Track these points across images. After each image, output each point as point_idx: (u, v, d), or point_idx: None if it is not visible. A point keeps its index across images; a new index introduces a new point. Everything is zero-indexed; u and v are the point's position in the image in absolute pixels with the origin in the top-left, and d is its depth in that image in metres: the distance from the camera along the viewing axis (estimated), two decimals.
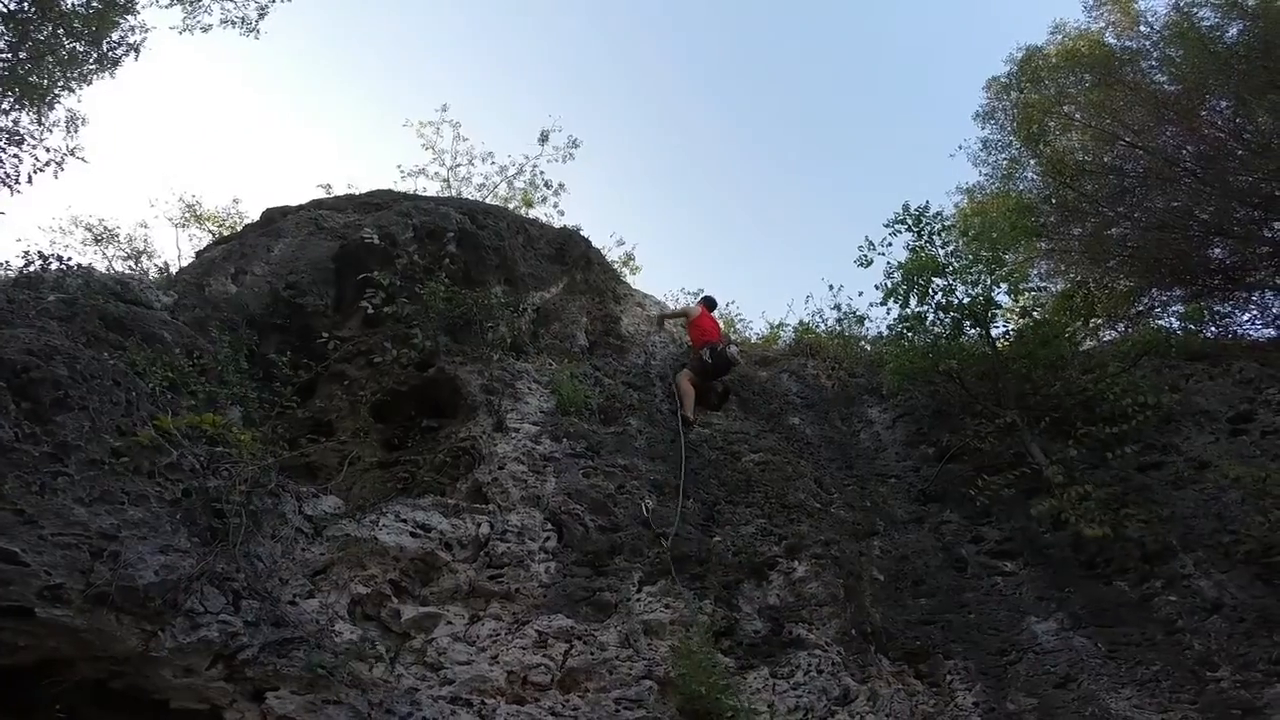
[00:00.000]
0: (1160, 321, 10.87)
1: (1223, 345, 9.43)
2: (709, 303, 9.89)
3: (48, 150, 9.23)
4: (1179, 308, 11.09)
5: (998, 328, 9.06)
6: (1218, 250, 11.22)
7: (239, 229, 9.96)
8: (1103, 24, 12.62)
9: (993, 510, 7.55)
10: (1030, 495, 7.37)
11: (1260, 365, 8.42)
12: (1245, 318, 11.17)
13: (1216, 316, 10.96)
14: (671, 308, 10.95)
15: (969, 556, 7.33)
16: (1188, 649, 6.08)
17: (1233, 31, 10.87)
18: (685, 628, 5.49)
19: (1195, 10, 11.30)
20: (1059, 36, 12.83)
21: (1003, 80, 12.95)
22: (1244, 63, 10.21)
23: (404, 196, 8.80)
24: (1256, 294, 11.12)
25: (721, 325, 9.91)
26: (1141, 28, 12.13)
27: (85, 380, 4.17)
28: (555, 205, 15.52)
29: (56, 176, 9.20)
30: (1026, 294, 9.92)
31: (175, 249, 21.78)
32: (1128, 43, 12.18)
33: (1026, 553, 7.22)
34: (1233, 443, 7.68)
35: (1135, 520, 6.82)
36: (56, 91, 9.65)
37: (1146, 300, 11.75)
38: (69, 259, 6.06)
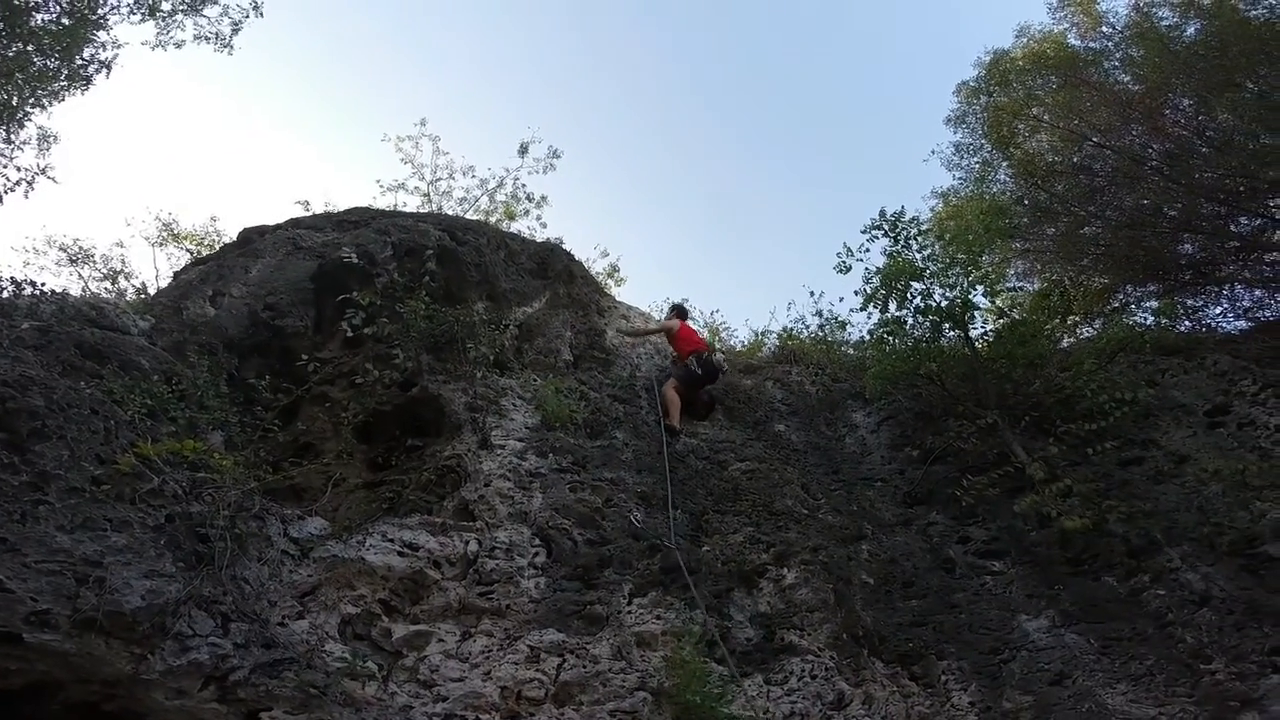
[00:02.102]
0: (1135, 317, 11.03)
1: (1196, 339, 9.57)
2: (681, 311, 9.91)
3: (19, 169, 9.08)
4: (1153, 303, 11.27)
5: (976, 329, 9.16)
6: (1187, 246, 11.44)
7: (217, 248, 9.90)
8: (1066, 25, 12.87)
9: (978, 510, 7.58)
10: (1014, 494, 7.41)
11: (1233, 358, 8.53)
12: (1217, 311, 11.38)
13: (1189, 311, 11.17)
14: (654, 320, 10.95)
15: (957, 557, 7.36)
16: (1180, 642, 6.09)
17: (1190, 31, 11.12)
18: (677, 638, 5.48)
19: (1154, 10, 11.57)
20: (1024, 40, 13.06)
21: (972, 84, 13.16)
22: (1203, 61, 10.43)
23: (382, 214, 8.79)
24: (1227, 287, 11.34)
25: (704, 333, 9.94)
26: (1103, 28, 12.38)
27: (62, 410, 4.13)
28: (538, 218, 15.59)
29: (27, 196, 9.06)
30: (1003, 295, 10.06)
31: (152, 269, 21.59)
32: (1091, 44, 12.43)
33: (1014, 551, 7.26)
34: (1210, 435, 7.78)
35: (1117, 513, 6.88)
36: (27, 109, 9.50)
37: (1121, 297, 11.94)
38: (42, 284, 5.99)
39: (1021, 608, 6.73)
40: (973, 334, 9.00)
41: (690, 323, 10.00)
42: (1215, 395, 8.15)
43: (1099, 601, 6.58)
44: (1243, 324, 10.86)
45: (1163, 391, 8.36)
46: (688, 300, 12.45)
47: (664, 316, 10.49)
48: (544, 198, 15.58)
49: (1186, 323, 10.83)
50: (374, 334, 7.00)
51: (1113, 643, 6.26)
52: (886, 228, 9.22)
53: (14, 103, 9.31)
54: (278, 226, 8.08)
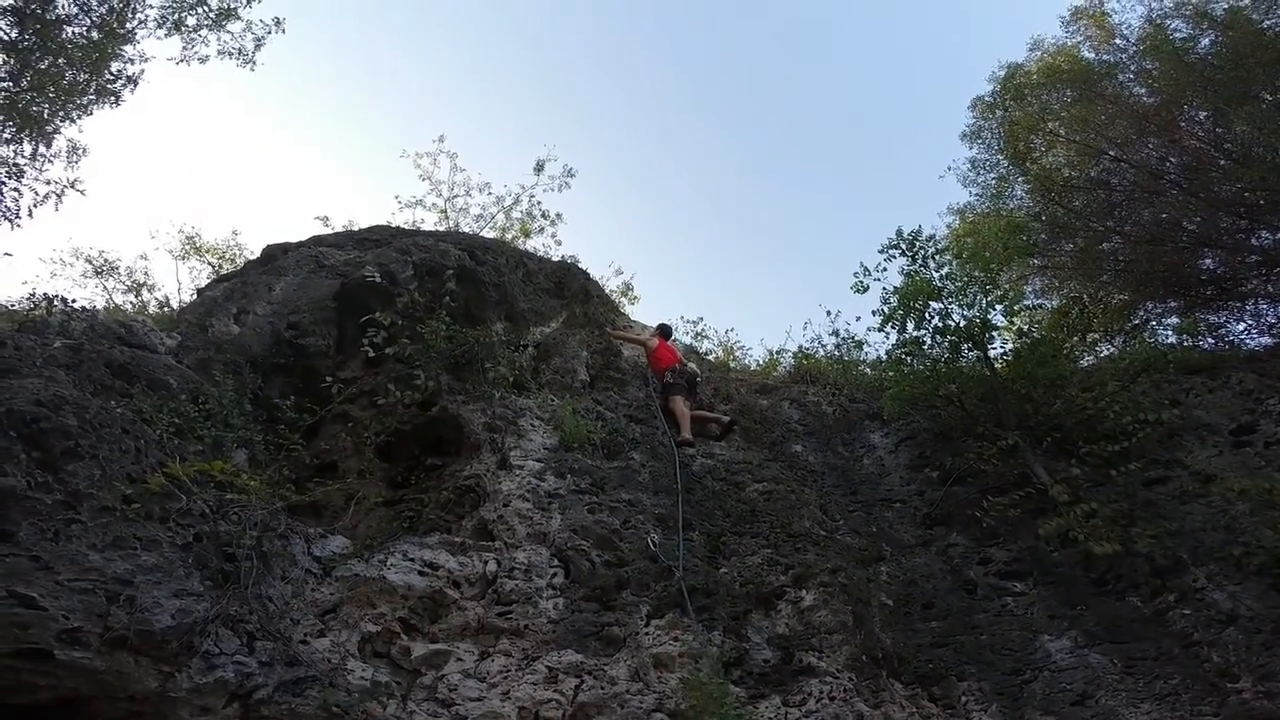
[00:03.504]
0: (1157, 334, 10.91)
1: (1219, 357, 9.44)
2: (665, 331, 9.99)
3: (48, 183, 9.20)
4: (1174, 320, 11.15)
5: (995, 348, 9.11)
6: (1208, 261, 11.32)
7: (239, 262, 10.01)
8: (1080, 39, 12.84)
9: (999, 531, 7.52)
10: (1036, 515, 7.35)
11: (1258, 376, 8.42)
12: (1240, 328, 11.21)
13: (1211, 328, 11.02)
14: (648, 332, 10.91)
15: (978, 578, 7.30)
16: (1206, 661, 6.02)
17: (1205, 42, 11.05)
18: (695, 660, 5.46)
19: (1168, 22, 11.50)
20: (1038, 53, 13.05)
21: (987, 100, 13.14)
22: (1219, 73, 10.35)
23: (403, 232, 8.90)
24: (1250, 303, 11.19)
25: (679, 351, 9.98)
26: (1117, 41, 12.32)
27: (94, 429, 4.21)
28: (553, 235, 15.68)
29: (57, 209, 9.18)
30: (1022, 313, 9.99)
31: (175, 281, 21.96)
32: (1105, 56, 12.37)
33: (1036, 572, 7.19)
34: (1236, 455, 7.68)
35: (1144, 536, 6.81)
36: (57, 122, 9.66)
37: (1141, 313, 11.80)
38: (73, 300, 6.12)
39: (1043, 628, 6.66)
40: (992, 354, 8.96)
41: (672, 342, 10.11)
42: (1240, 414, 8.04)
43: (1123, 621, 6.51)
44: (1267, 340, 10.71)
45: (1187, 411, 8.26)
46: (696, 318, 12.45)
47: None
48: (559, 215, 15.68)
49: (1209, 340, 10.69)
50: (395, 354, 7.08)
51: (1137, 662, 6.18)
52: (904, 247, 9.22)
53: (45, 115, 9.46)
54: (300, 244, 8.19)
